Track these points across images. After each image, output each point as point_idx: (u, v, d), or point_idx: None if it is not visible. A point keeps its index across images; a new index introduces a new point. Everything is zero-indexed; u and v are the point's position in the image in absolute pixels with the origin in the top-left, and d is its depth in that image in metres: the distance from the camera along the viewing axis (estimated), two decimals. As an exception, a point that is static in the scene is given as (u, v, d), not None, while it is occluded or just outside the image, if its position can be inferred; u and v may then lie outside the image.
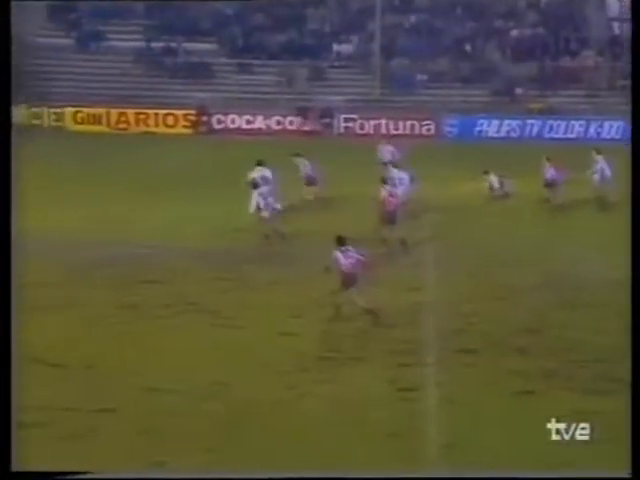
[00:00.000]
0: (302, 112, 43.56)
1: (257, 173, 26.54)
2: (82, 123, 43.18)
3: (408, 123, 43.11)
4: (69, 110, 43.34)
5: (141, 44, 46.96)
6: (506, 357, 16.60)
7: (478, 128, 42.97)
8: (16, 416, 14.19)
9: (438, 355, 16.97)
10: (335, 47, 47.73)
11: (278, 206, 25.26)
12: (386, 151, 30.66)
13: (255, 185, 25.28)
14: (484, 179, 29.32)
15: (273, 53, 47.21)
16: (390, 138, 31.49)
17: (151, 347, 17.53)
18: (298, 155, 29.07)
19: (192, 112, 43.78)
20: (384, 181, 24.68)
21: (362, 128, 43.41)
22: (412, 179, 26.68)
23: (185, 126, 43.81)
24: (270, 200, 25.01)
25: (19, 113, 43.04)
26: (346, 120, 43.52)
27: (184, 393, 15.44)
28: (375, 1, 46.71)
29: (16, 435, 13.71)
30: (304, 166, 28.79)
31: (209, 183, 30.26)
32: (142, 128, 43.41)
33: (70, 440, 13.98)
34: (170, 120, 43.81)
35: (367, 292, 18.99)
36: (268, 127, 43.71)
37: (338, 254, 19.03)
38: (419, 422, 14.39)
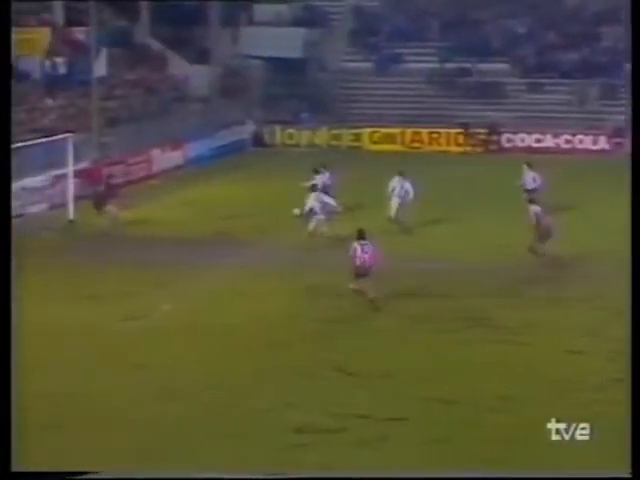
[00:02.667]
0: (594, 131, 43.65)
1: (319, 179, 28.12)
2: (378, 143, 44.91)
3: (702, 143, 42.13)
4: (366, 130, 45.15)
5: (435, 65, 48.34)
6: None
7: None
8: (304, 420, 15.41)
9: None
10: (628, 66, 47.13)
11: (335, 208, 26.32)
12: (528, 177, 30.08)
13: (313, 188, 26.56)
14: None
15: (565, 72, 47.17)
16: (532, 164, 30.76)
17: (443, 359, 18.24)
18: (323, 166, 29.56)
19: (483, 131, 44.88)
20: (532, 201, 25.14)
21: (654, 147, 42.89)
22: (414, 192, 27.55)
23: (475, 145, 44.93)
24: (327, 204, 26.18)
25: (321, 135, 45.94)
26: (638, 139, 43.12)
27: (473, 405, 15.95)
28: (671, 18, 45.90)
29: (315, 440, 14.75)
30: (324, 177, 29.04)
31: (492, 200, 30.88)
32: (434, 147, 44.87)
33: (362, 446, 14.54)
34: (461, 139, 45.10)
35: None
36: (557, 146, 44.09)
37: (357, 247, 21.01)
38: None
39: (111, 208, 28.52)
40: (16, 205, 29.41)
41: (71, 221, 29.30)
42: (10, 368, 11.88)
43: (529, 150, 43.39)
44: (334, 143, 45.23)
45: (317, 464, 13.95)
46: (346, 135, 45.47)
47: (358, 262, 21.08)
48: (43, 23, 40.36)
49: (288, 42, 47.21)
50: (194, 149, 40.93)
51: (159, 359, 18.34)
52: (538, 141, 44.35)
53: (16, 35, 35.51)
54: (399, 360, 18.31)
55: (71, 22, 42.14)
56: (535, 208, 24.65)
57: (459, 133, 44.85)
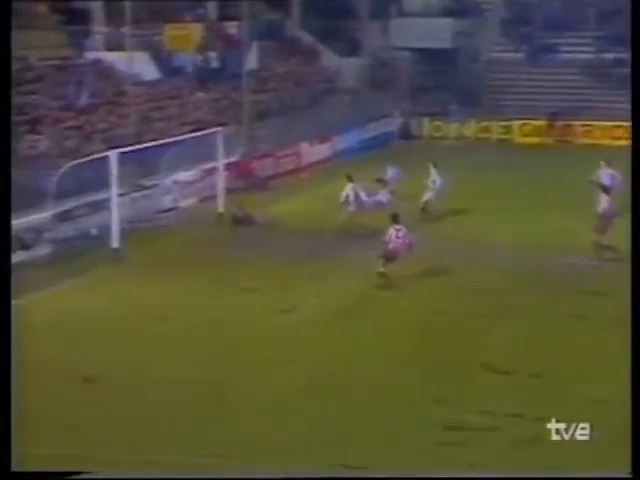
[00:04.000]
0: None
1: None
2: (528, 135, 44.17)
3: None
4: (517, 123, 44.44)
5: (590, 56, 47.18)
6: None
7: None
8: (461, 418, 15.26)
9: None
10: None
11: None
12: (605, 174, 29.03)
13: (349, 178, 27.01)
14: None
15: None
16: (610, 160, 29.81)
17: (597, 359, 17.87)
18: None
19: (640, 124, 43.51)
20: (605, 191, 24.85)
21: None
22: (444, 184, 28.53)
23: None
24: (361, 195, 26.57)
25: (469, 127, 45.39)
26: None
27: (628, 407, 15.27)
28: None
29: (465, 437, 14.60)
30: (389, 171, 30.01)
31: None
32: (587, 140, 43.77)
33: (514, 446, 14.32)
34: (618, 132, 43.76)
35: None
36: None
37: (392, 231, 21.59)
38: None
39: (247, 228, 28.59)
40: (168, 199, 30.09)
41: (221, 214, 29.56)
42: (10, 366, 11.78)
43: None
44: (483, 136, 44.81)
45: (467, 463, 13.78)
46: (495, 127, 44.95)
47: (391, 246, 21.61)
48: (197, 19, 41.04)
49: (437, 33, 46.86)
50: (342, 141, 40.95)
51: (306, 352, 18.36)
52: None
53: (169, 31, 36.33)
54: (553, 359, 17.96)
55: (224, 17, 42.77)
56: (605, 198, 24.50)
57: (615, 126, 43.55)
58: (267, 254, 25.25)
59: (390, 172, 30.11)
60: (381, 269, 21.88)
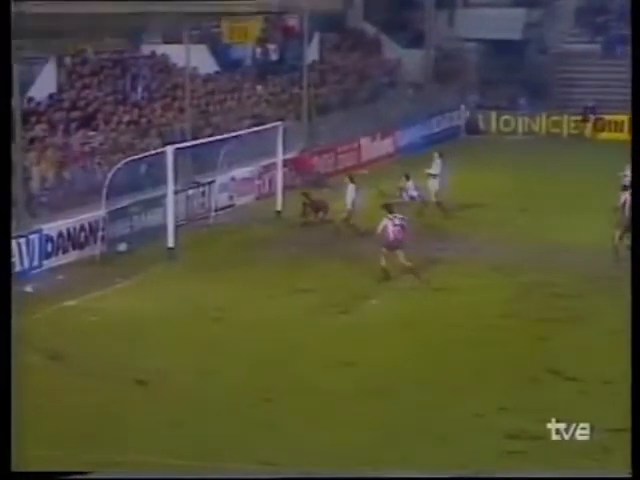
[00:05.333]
0: None
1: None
2: (602, 131, 43.00)
3: None
4: (590, 118, 43.04)
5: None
6: None
7: None
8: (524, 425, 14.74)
9: None
10: None
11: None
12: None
13: (351, 179, 27.25)
14: None
15: None
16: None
17: None
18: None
19: None
20: (626, 188, 23.63)
21: None
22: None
23: None
24: (357, 198, 26.36)
25: (540, 122, 44.06)
26: None
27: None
28: None
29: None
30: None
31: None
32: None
33: (582, 458, 13.79)
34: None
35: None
36: None
37: (387, 221, 21.86)
38: None
39: (321, 214, 27.98)
40: (225, 196, 29.45)
41: (279, 212, 28.83)
42: (10, 367, 11.48)
43: None
44: (554, 131, 43.64)
45: (530, 474, 13.32)
46: (567, 122, 43.71)
47: (391, 236, 21.76)
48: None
49: (506, 23, 45.70)
50: (405, 137, 40.21)
51: (365, 355, 17.99)
52: None
53: (227, 23, 35.62)
54: (621, 365, 16.63)
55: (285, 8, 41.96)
56: (626, 195, 23.53)
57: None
58: (324, 253, 24.87)
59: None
60: (383, 263, 21.90)
